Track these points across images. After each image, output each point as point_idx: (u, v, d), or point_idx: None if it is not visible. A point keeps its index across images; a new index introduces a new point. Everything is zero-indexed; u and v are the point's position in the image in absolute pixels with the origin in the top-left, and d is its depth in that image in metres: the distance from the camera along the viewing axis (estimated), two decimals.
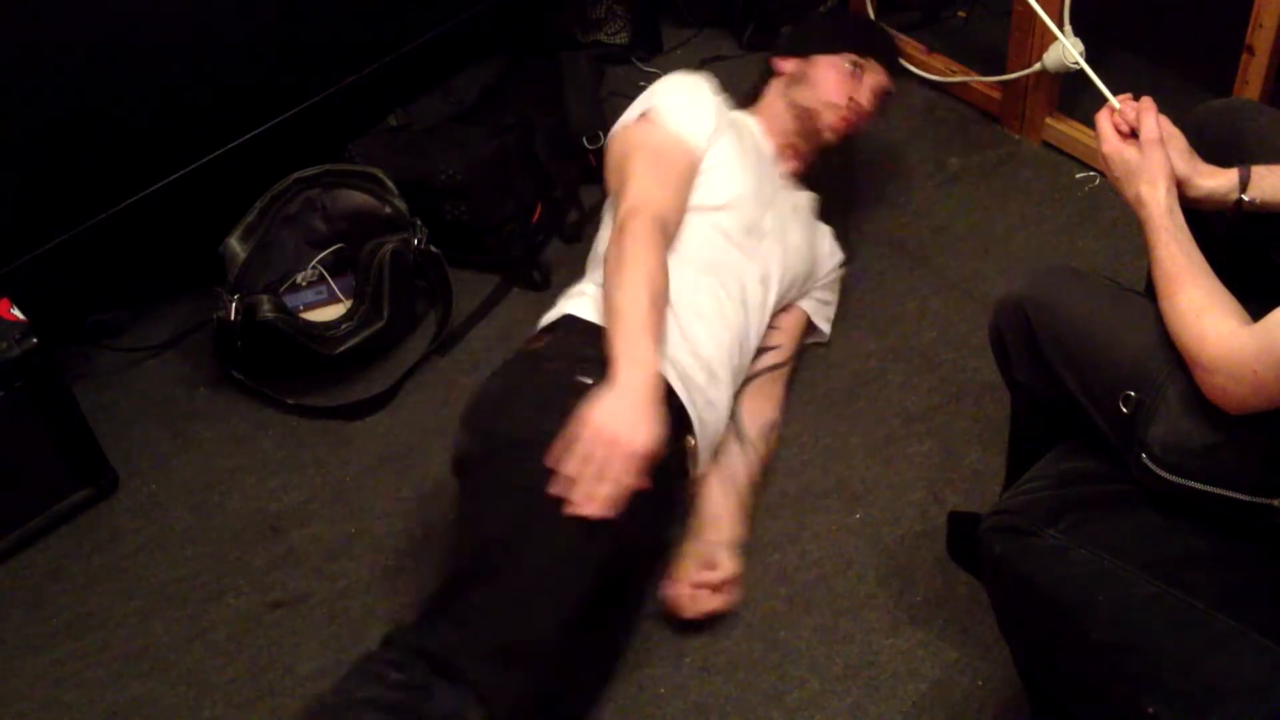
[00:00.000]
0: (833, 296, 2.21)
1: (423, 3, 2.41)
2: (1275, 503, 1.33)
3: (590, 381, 1.65)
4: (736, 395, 1.95)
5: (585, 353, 1.71)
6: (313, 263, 2.31)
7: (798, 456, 2.06)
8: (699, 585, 1.82)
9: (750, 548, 1.93)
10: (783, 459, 2.05)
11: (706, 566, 1.84)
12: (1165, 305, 1.38)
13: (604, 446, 1.57)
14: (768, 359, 2.05)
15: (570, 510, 1.56)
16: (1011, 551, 1.45)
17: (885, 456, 2.05)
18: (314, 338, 2.18)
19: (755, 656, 1.82)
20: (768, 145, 2.13)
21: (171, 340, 2.32)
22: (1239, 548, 1.38)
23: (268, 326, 2.12)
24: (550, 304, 2.32)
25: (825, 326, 2.18)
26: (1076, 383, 1.47)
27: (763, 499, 1.99)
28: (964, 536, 1.72)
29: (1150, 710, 1.32)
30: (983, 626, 1.80)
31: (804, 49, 2.16)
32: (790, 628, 1.84)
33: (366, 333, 2.21)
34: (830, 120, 2.10)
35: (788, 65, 2.16)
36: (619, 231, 1.78)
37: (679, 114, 1.98)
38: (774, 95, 2.16)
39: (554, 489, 1.57)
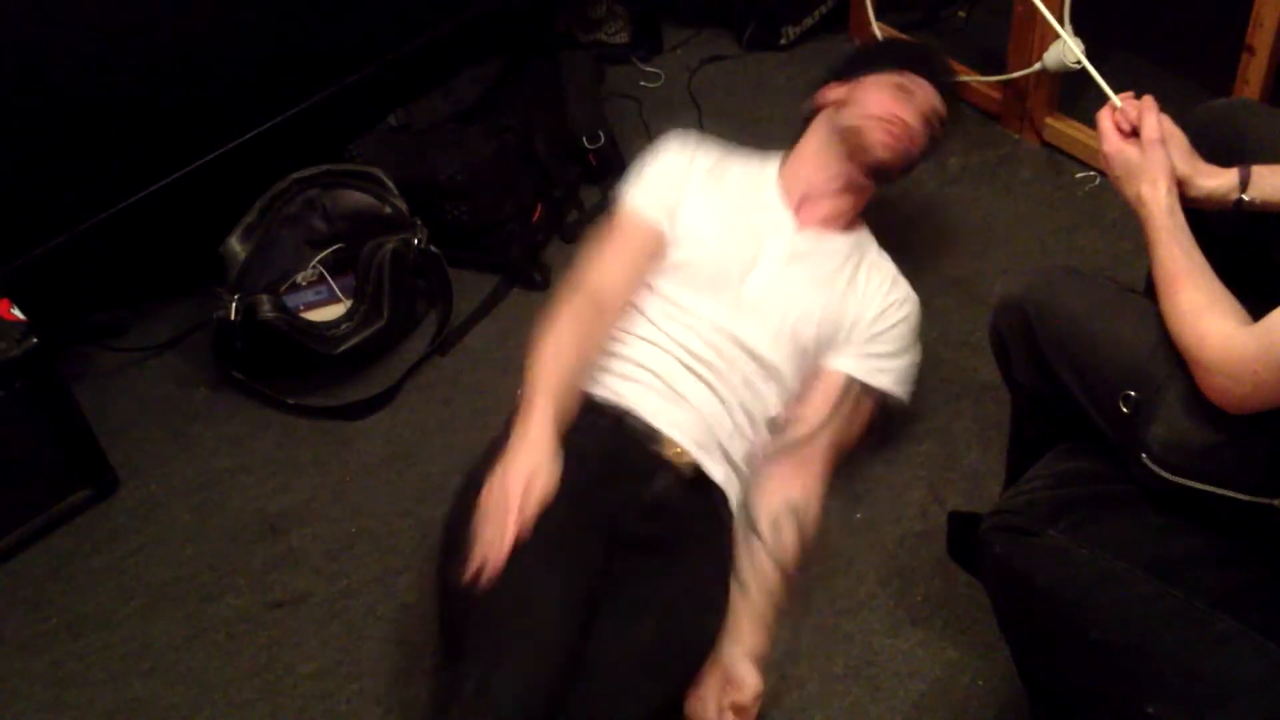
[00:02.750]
0: (892, 347, 1.95)
1: (423, 3, 2.41)
2: (1275, 503, 1.33)
3: None
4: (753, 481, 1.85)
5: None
6: (313, 263, 2.31)
7: None
8: (726, 706, 1.68)
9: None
10: None
11: (728, 682, 1.69)
12: (1165, 305, 1.38)
13: (499, 489, 1.62)
14: (794, 430, 1.88)
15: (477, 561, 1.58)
16: (1011, 551, 1.44)
17: (885, 456, 2.05)
18: (314, 338, 2.18)
19: None
20: (779, 196, 1.98)
21: (171, 340, 2.32)
22: (1239, 548, 1.38)
23: (268, 326, 2.12)
24: (550, 304, 2.34)
25: (887, 383, 1.94)
26: (1076, 383, 1.47)
27: None
28: (964, 536, 1.72)
29: (1150, 710, 1.31)
30: (983, 626, 1.79)
31: (848, 73, 2.03)
32: (790, 628, 1.84)
33: (366, 333, 2.21)
34: (877, 136, 1.93)
35: (832, 94, 2.02)
36: (563, 295, 1.84)
37: (635, 191, 1.96)
38: (813, 132, 2.02)
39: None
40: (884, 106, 1.95)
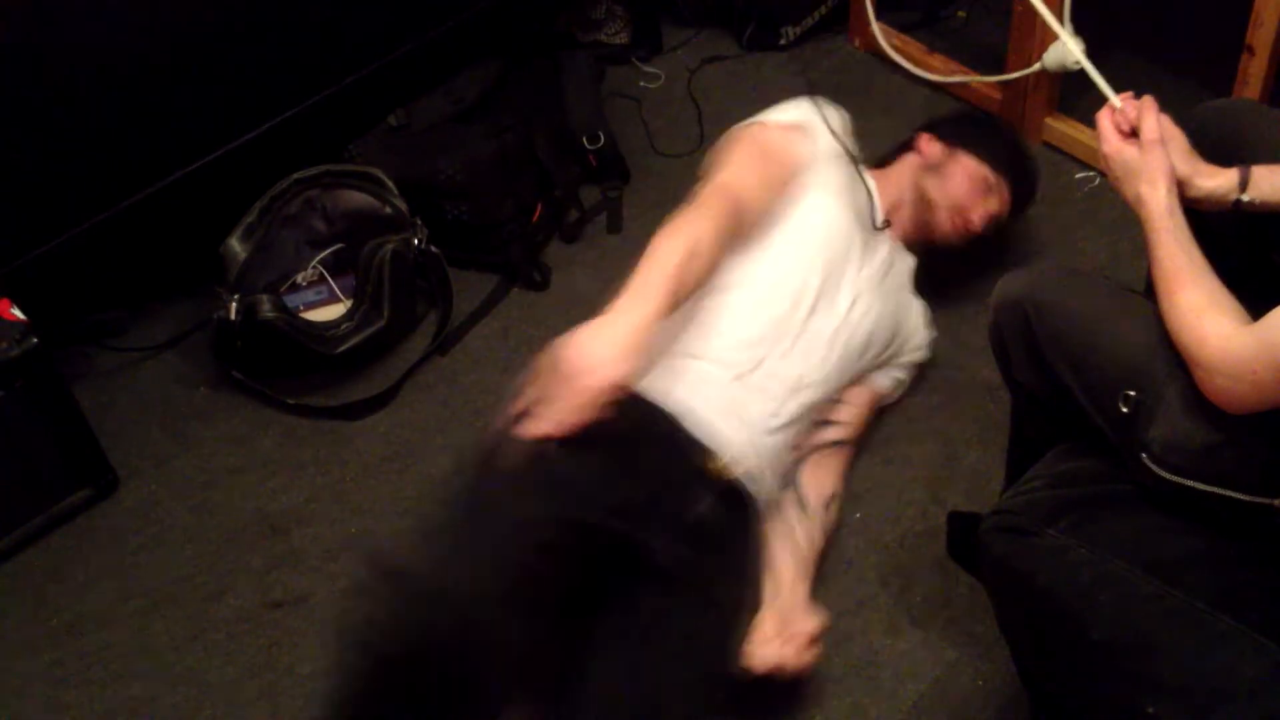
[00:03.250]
0: (908, 376, 2.11)
1: (423, 3, 2.41)
2: (1275, 503, 1.33)
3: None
4: (798, 462, 1.89)
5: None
6: (313, 263, 2.31)
7: None
8: (789, 640, 1.70)
9: None
10: None
11: (785, 625, 1.72)
12: (1165, 305, 1.38)
13: (568, 368, 1.53)
14: (831, 433, 1.96)
15: (517, 429, 1.53)
16: (1011, 551, 1.45)
17: (885, 456, 2.05)
18: (314, 337, 2.18)
19: None
20: (877, 202, 2.05)
21: (171, 340, 2.32)
22: (1239, 548, 1.38)
23: (268, 326, 2.12)
24: (550, 304, 2.34)
25: (889, 395, 2.09)
26: (1076, 382, 1.47)
27: None
28: (964, 536, 1.72)
29: (1150, 710, 1.32)
30: (983, 626, 1.80)
31: (952, 138, 2.10)
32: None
33: (366, 333, 2.21)
34: (945, 224, 2.06)
35: (932, 150, 2.08)
36: (693, 200, 1.76)
37: (790, 123, 1.98)
38: (904, 170, 2.10)
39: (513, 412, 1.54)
40: (966, 198, 2.06)
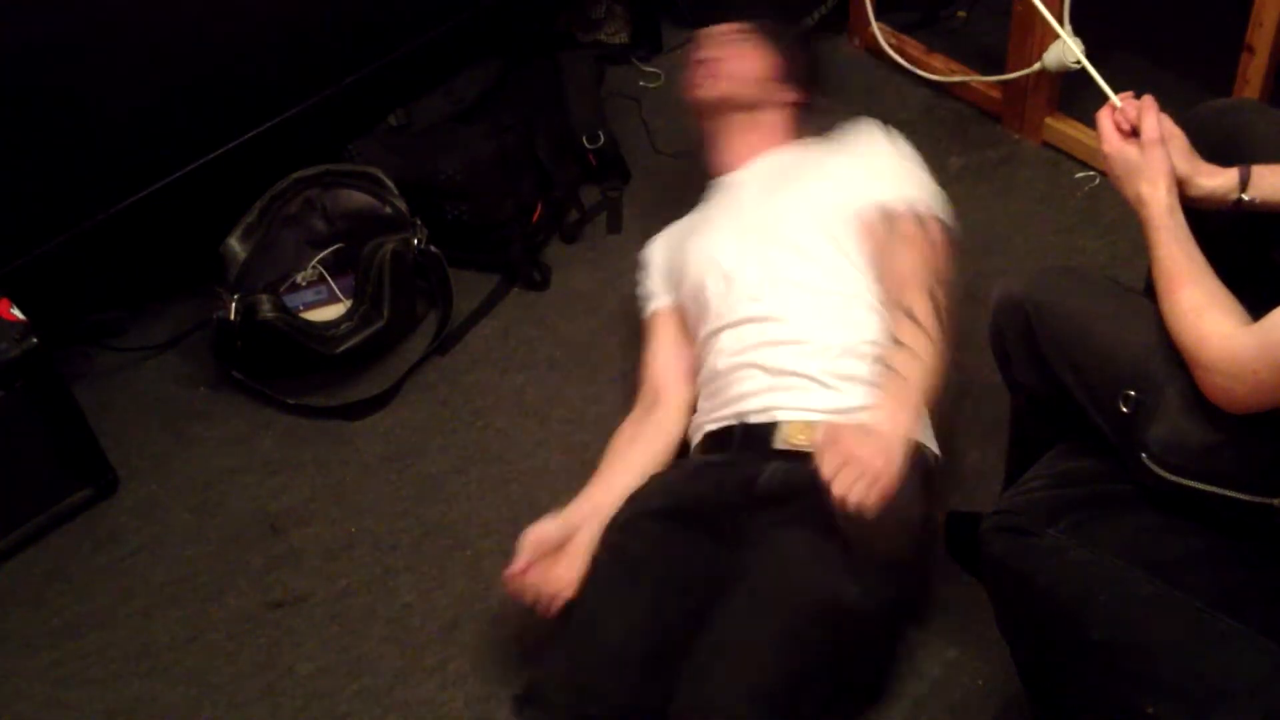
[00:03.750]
0: (892, 168, 2.00)
1: (423, 3, 2.41)
2: (1275, 503, 1.33)
3: None
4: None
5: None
6: (313, 262, 2.31)
7: None
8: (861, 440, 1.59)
9: None
10: None
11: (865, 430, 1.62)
12: (1165, 305, 1.38)
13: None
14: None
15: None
16: (1011, 551, 1.45)
17: None
18: (314, 337, 2.18)
19: None
20: (727, 170, 2.08)
21: (171, 340, 2.32)
22: (1239, 548, 1.38)
23: (268, 326, 2.12)
24: (550, 304, 2.33)
25: (911, 198, 1.94)
26: (1076, 382, 1.47)
27: None
28: (964, 536, 1.72)
29: (1150, 710, 1.32)
30: (983, 626, 1.79)
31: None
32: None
33: (366, 333, 2.21)
34: (687, 90, 2.11)
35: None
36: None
37: (646, 296, 2.08)
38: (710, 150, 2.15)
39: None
40: (689, 71, 2.12)
